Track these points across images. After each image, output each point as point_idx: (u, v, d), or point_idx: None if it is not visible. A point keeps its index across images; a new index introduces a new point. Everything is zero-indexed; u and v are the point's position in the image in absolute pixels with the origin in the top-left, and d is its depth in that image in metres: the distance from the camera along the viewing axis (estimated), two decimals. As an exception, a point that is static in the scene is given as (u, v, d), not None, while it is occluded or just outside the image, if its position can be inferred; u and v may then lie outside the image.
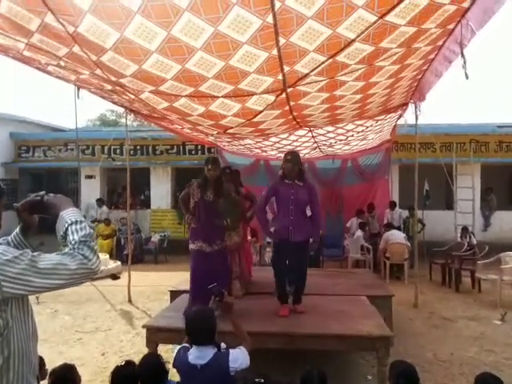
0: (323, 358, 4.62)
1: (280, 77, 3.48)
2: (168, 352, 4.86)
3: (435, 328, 6.13)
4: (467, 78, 3.30)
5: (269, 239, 9.21)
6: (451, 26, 3.19)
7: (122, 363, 2.94)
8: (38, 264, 1.48)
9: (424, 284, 8.44)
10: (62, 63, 3.44)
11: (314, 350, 4.35)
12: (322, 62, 3.26)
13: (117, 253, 11.88)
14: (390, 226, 9.93)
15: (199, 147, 13.46)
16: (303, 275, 4.68)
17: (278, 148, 8.28)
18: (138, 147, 13.85)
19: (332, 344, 4.03)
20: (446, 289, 8.57)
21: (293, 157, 4.56)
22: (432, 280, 9.17)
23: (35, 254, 1.52)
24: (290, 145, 7.92)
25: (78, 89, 4.58)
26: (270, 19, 2.60)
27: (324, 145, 8.39)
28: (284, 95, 4.00)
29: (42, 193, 1.82)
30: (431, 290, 8.42)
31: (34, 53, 3.30)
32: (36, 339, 1.71)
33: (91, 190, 14.11)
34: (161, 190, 14.12)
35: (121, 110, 6.76)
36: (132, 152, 13.07)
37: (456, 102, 49.75)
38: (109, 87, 4.04)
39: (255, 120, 4.94)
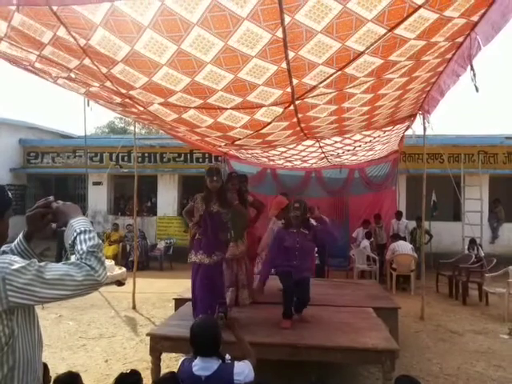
0: (327, 369, 4.59)
1: (288, 89, 3.50)
2: (171, 360, 4.87)
3: (441, 341, 6.07)
4: (477, 91, 3.30)
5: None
6: (460, 40, 3.21)
7: (127, 371, 2.94)
8: (44, 274, 1.48)
9: (431, 296, 8.38)
10: (73, 75, 3.49)
11: (318, 362, 4.32)
12: (331, 75, 3.28)
13: (122, 259, 11.94)
14: (396, 237, 9.88)
15: (206, 155, 13.53)
16: (306, 300, 4.72)
17: (286, 158, 8.30)
18: (146, 155, 13.96)
19: (336, 356, 3.99)
20: (453, 301, 8.48)
21: (300, 205, 4.58)
22: (439, 292, 9.10)
23: (42, 264, 1.52)
24: (297, 154, 7.94)
25: (88, 100, 4.64)
26: (279, 33, 2.63)
27: (331, 155, 8.40)
28: (292, 107, 4.02)
29: (51, 198, 1.82)
30: (438, 302, 8.35)
31: (46, 65, 3.34)
32: (41, 348, 1.70)
33: (98, 196, 14.24)
34: (167, 198, 14.18)
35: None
36: (140, 159, 13.16)
37: (464, 113, 49.61)
38: (118, 100, 4.08)
39: (263, 131, 4.95)
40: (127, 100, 3.98)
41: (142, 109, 4.23)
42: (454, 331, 6.50)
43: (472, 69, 3.30)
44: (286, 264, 4.55)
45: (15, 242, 1.84)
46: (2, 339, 1.47)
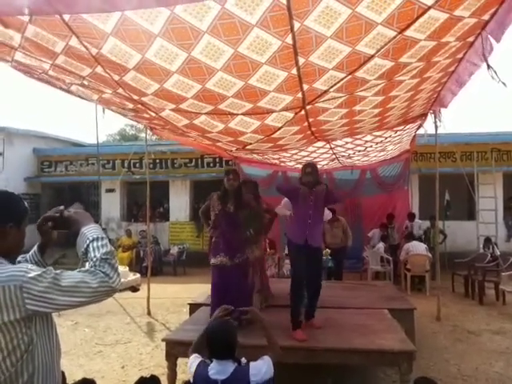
0: (343, 372, 4.56)
1: (299, 95, 3.51)
2: (187, 365, 4.88)
3: (459, 342, 6.00)
4: (505, 85, 3.26)
5: (287, 251, 9.19)
6: (471, 39, 3.19)
7: (148, 375, 2.97)
8: (60, 282, 1.50)
9: (446, 296, 8.29)
10: (86, 82, 3.54)
11: (333, 365, 4.30)
12: (342, 79, 3.28)
13: (136, 265, 12.02)
14: (410, 237, 9.79)
15: (217, 160, 13.58)
16: (319, 285, 4.61)
17: (296, 159, 8.30)
18: (158, 161, 14.04)
19: (352, 359, 3.97)
20: (470, 301, 8.38)
21: (312, 170, 4.49)
22: (454, 292, 8.99)
23: (58, 271, 1.54)
24: (308, 156, 7.93)
25: (103, 108, 4.69)
26: (289, 40, 2.64)
27: (342, 156, 8.37)
28: (303, 112, 4.02)
29: (61, 207, 1.83)
30: (454, 302, 8.24)
31: (59, 73, 3.40)
32: (59, 354, 1.71)
33: (111, 203, 14.37)
34: (179, 203, 14.25)
35: (140, 124, 6.88)
36: (151, 166, 13.22)
37: (476, 110, 49.07)
38: (130, 106, 4.12)
39: (274, 136, 4.97)
40: (139, 106, 4.02)
41: (153, 114, 4.27)
42: (471, 331, 6.42)
43: (489, 67, 3.27)
44: (300, 229, 4.42)
45: (30, 252, 1.87)
46: (22, 347, 1.49)
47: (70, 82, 3.70)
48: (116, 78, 3.29)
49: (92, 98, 4.20)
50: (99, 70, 3.20)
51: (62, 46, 2.88)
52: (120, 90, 3.62)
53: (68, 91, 4.01)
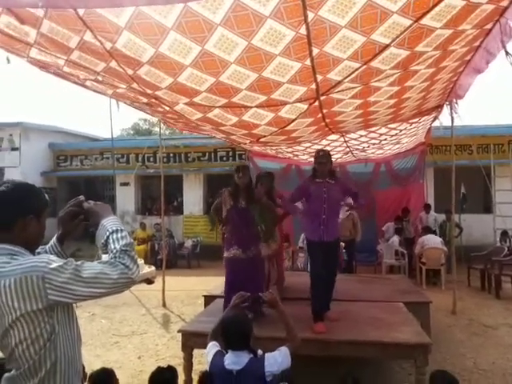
0: (358, 364, 4.55)
1: (313, 86, 3.49)
2: (203, 356, 4.92)
3: (475, 335, 5.95)
4: None
5: (301, 244, 9.19)
6: (489, 26, 3.13)
7: (165, 366, 2.99)
8: (81, 273, 1.52)
9: (462, 290, 8.20)
10: (100, 78, 3.57)
11: (348, 357, 4.29)
12: (356, 69, 3.25)
13: (151, 257, 12.15)
14: (427, 230, 9.70)
15: (230, 154, 13.64)
16: (334, 279, 4.58)
17: (310, 153, 8.25)
18: (171, 155, 14.13)
19: (368, 351, 3.96)
20: (486, 295, 8.30)
21: (324, 155, 4.45)
22: (470, 286, 8.91)
23: (78, 263, 1.56)
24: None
25: (117, 101, 4.72)
26: (303, 30, 2.62)
27: (357, 149, 8.31)
28: (317, 103, 4.00)
29: (81, 198, 1.86)
30: (470, 296, 8.17)
31: (73, 68, 3.43)
32: (80, 343, 1.75)
33: (126, 196, 14.51)
34: (193, 197, 14.33)
35: (154, 119, 6.91)
36: (165, 159, 13.29)
37: (493, 102, 48.18)
38: (144, 100, 4.15)
39: (288, 128, 4.95)
40: (153, 100, 4.04)
41: (167, 108, 4.29)
42: (487, 325, 6.36)
43: (508, 54, 3.21)
44: (314, 224, 4.37)
45: (49, 244, 1.90)
46: (44, 335, 1.52)
47: (85, 78, 3.73)
48: (130, 72, 3.31)
49: (106, 93, 4.23)
50: (113, 64, 3.22)
51: (76, 40, 2.90)
52: (134, 85, 3.64)
53: (83, 85, 4.05)
